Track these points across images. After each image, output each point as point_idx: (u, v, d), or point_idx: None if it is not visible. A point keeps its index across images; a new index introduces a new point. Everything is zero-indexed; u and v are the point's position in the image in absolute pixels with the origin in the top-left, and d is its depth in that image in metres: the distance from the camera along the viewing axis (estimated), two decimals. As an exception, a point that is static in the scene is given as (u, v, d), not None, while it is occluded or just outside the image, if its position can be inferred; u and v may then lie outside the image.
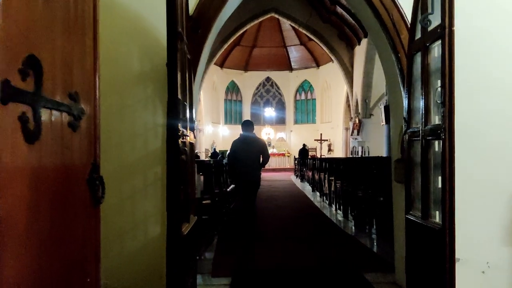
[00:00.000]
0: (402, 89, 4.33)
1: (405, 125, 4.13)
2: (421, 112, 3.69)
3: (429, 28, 3.55)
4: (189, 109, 3.93)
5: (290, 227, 8.25)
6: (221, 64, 32.20)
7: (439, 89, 3.28)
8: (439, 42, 3.38)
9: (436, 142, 3.55)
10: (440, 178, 3.49)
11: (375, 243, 6.89)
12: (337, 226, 8.10)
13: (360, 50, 24.75)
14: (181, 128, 3.31)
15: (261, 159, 7.27)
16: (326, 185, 10.90)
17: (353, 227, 7.89)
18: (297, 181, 18.91)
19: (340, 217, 8.95)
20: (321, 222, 8.67)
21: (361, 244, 6.70)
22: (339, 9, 24.34)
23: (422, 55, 3.70)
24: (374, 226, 7.39)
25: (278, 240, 7.13)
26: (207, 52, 4.85)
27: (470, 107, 3.77)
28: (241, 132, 7.26)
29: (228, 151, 7.50)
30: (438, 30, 3.26)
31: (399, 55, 4.28)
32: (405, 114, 4.16)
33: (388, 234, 6.63)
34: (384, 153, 23.22)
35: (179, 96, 3.29)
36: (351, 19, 24.01)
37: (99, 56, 2.34)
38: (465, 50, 3.64)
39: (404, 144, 4.15)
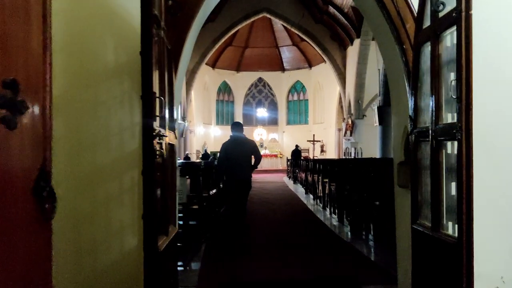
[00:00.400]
0: (406, 84, 3.91)
1: (410, 125, 3.70)
2: (430, 110, 3.26)
3: (441, 14, 3.12)
4: (169, 106, 3.47)
5: (282, 233, 7.80)
6: (213, 65, 31.71)
7: (454, 82, 2.85)
8: (453, 29, 2.96)
9: (449, 143, 3.13)
10: (454, 184, 3.07)
11: (373, 251, 6.46)
12: (332, 232, 7.66)
13: (353, 51, 24.41)
14: (157, 127, 2.85)
15: (252, 160, 7.16)
16: (320, 187, 10.48)
17: (349, 233, 7.46)
18: (289, 183, 18.47)
19: (335, 221, 8.52)
20: (315, 227, 8.24)
21: (358, 252, 6.27)
22: (331, 9, 23.99)
23: (432, 45, 3.27)
24: (371, 232, 6.96)
25: (269, 247, 6.69)
26: (191, 42, 4.38)
27: (489, 103, 3.34)
28: (231, 133, 7.23)
29: (219, 153, 7.42)
30: (454, 15, 2.82)
31: (404, 46, 3.85)
32: (410, 112, 3.73)
33: (387, 240, 6.21)
34: (377, 154, 22.90)
35: (156, 90, 2.83)
36: (343, 19, 23.66)
37: (50, 40, 1.86)
38: (482, 38, 3.21)
39: (410, 145, 3.72)
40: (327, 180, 9.64)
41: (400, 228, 4.21)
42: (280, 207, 10.92)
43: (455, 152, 3.01)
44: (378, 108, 19.23)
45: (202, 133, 30.16)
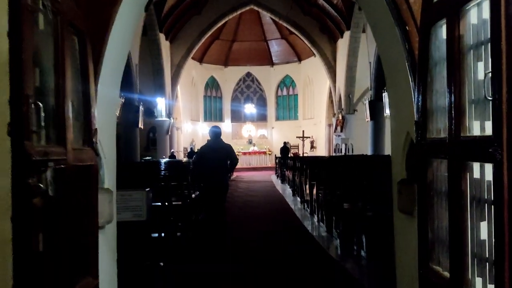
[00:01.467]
0: (410, 79, 2.94)
1: (417, 133, 2.74)
2: (447, 115, 2.30)
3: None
4: (84, 111, 2.47)
5: (265, 246, 6.85)
6: (200, 59, 30.59)
7: (488, 75, 1.89)
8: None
9: (477, 165, 2.17)
10: (484, 224, 2.12)
11: (366, 273, 5.52)
12: (319, 246, 6.71)
13: (343, 44, 23.46)
14: (40, 148, 1.85)
15: (228, 163, 7.10)
16: (307, 191, 9.54)
17: (339, 247, 6.51)
18: (277, 182, 17.52)
19: (323, 231, 7.58)
20: (301, 238, 7.28)
21: (348, 275, 5.32)
22: (320, 0, 23.03)
23: (449, 24, 2.29)
24: (364, 247, 6.02)
25: (248, 265, 5.73)
26: (128, 24, 3.33)
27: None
28: (209, 138, 7.48)
29: (194, 157, 7.62)
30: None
31: (407, 28, 2.87)
32: (416, 116, 2.77)
33: (381, 259, 5.28)
34: (368, 151, 22.03)
35: (31, 92, 1.83)
36: (333, 11, 22.69)
37: None
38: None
39: (416, 160, 2.77)
40: (314, 183, 8.69)
41: (401, 268, 3.24)
42: (265, 212, 9.97)
43: (487, 177, 2.05)
44: (370, 102, 18.31)
45: (189, 130, 29.10)
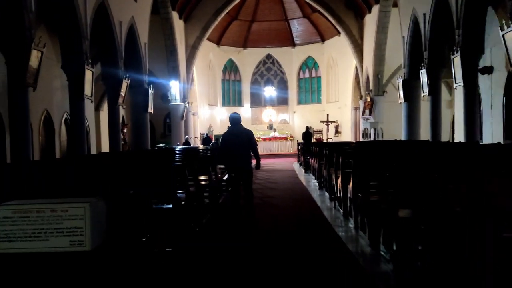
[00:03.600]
0: None
1: None
2: None
3: None
4: None
5: (283, 269, 4.85)
6: (218, 41, 28.52)
7: None
8: None
9: None
10: None
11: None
12: (364, 272, 4.67)
13: (371, 19, 21.06)
14: None
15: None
16: (339, 186, 7.46)
17: (394, 277, 4.45)
18: (300, 172, 15.41)
19: (365, 244, 5.48)
20: (335, 257, 5.25)
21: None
22: (347, -28, 20.66)
23: None
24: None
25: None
26: None
27: None
28: (229, 124, 7.30)
29: (220, 144, 7.82)
30: None
31: None
32: None
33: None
34: (401, 136, 19.71)
35: None
36: (361, -18, 20.34)
37: None
38: None
39: None
40: (349, 177, 6.59)
41: None
42: (287, 213, 7.95)
43: None
44: (403, 82, 15.98)
45: (207, 115, 27.19)
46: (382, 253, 5.01)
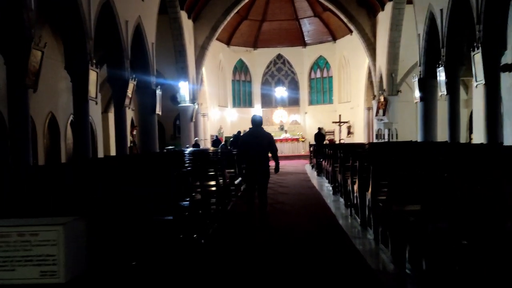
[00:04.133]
0: None
1: None
2: None
3: None
4: None
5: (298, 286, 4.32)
6: (228, 41, 28.05)
7: None
8: None
9: None
10: None
11: None
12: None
13: (384, 17, 20.41)
14: None
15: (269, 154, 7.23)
16: (356, 192, 6.89)
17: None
18: (312, 175, 14.83)
19: (387, 260, 4.90)
20: (354, 272, 4.70)
21: None
22: (359, -32, 20.03)
23: None
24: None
25: None
26: None
27: None
28: (250, 126, 7.36)
29: (239, 146, 7.88)
30: None
31: None
32: None
33: None
34: (415, 137, 19.03)
35: None
36: (373, -21, 19.69)
37: None
38: None
39: None
40: (369, 189, 5.96)
41: None
42: (299, 220, 7.41)
43: None
44: (419, 80, 15.32)
45: (217, 116, 26.72)
46: (408, 272, 4.43)
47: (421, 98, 15.37)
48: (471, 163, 5.83)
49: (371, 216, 5.89)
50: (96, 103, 11.53)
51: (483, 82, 10.63)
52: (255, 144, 6.96)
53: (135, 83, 13.57)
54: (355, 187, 6.96)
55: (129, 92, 13.27)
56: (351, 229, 6.52)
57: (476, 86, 11.33)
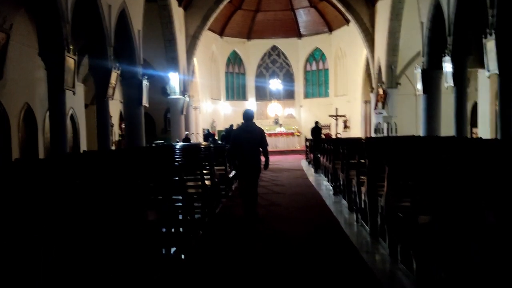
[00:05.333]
0: None
1: None
2: None
3: None
4: None
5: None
6: (221, 32, 26.88)
7: None
8: None
9: None
10: None
11: None
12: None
13: (384, 6, 19.34)
14: None
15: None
16: (363, 195, 5.88)
17: None
18: (309, 171, 13.81)
19: (403, 278, 3.98)
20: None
21: None
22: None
23: None
24: None
25: None
26: None
27: None
28: (242, 120, 7.26)
29: (231, 141, 7.36)
30: None
31: None
32: None
33: None
34: (415, 131, 18.08)
35: None
36: (373, -35, 18.61)
37: None
38: None
39: None
40: (384, 190, 4.92)
41: None
42: (297, 228, 6.38)
43: None
44: (423, 71, 14.30)
45: (209, 110, 25.60)
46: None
47: (425, 90, 14.36)
48: (496, 162, 4.83)
49: (385, 228, 4.86)
50: (74, 93, 10.39)
51: (497, 71, 9.63)
52: (248, 139, 6.81)
53: (118, 72, 12.44)
54: (363, 189, 5.94)
55: (112, 82, 12.14)
56: (359, 239, 5.51)
57: (489, 76, 10.33)
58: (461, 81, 12.28)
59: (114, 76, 12.21)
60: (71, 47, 9.93)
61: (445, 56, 12.37)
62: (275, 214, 7.31)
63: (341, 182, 7.98)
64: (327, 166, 10.70)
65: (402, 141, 11.69)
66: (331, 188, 9.33)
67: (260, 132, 7.03)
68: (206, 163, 7.59)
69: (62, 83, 9.75)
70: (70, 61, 9.95)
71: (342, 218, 6.76)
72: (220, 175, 8.38)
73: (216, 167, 8.88)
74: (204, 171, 7.04)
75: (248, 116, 7.09)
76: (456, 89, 12.38)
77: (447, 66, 12.30)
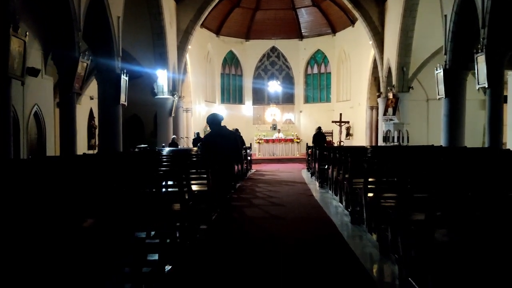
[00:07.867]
0: None
1: None
2: None
3: None
4: None
5: None
6: (217, 31, 24.71)
7: None
8: None
9: None
10: None
11: None
12: None
13: (395, 3, 17.18)
14: None
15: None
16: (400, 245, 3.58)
17: None
18: (312, 184, 11.48)
19: None
20: None
21: None
22: None
23: None
24: None
25: None
26: None
27: None
28: (209, 126, 7.00)
29: (206, 146, 7.13)
30: None
31: None
32: None
33: None
34: (430, 140, 15.82)
35: None
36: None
37: None
38: None
39: None
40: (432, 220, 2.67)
41: None
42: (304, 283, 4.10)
43: None
44: (445, 71, 12.09)
45: (203, 112, 23.30)
46: None
47: (447, 93, 12.14)
48: None
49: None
50: (22, 83, 8.15)
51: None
52: (224, 144, 6.67)
53: (88, 62, 10.17)
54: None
55: (79, 74, 9.88)
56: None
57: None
58: (497, 81, 10.07)
59: (81, 67, 9.94)
60: (19, 25, 7.72)
61: (477, 52, 10.16)
62: (274, 261, 4.96)
63: (364, 209, 5.65)
64: (337, 181, 8.42)
65: (422, 152, 9.43)
66: (347, 213, 6.98)
67: (235, 134, 7.00)
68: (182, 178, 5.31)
69: (7, 69, 7.52)
70: (17, 43, 7.71)
71: (375, 267, 4.44)
72: (199, 192, 6.08)
73: (196, 181, 6.63)
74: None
75: (218, 120, 6.89)
76: (490, 91, 10.17)
77: (480, 64, 10.08)
